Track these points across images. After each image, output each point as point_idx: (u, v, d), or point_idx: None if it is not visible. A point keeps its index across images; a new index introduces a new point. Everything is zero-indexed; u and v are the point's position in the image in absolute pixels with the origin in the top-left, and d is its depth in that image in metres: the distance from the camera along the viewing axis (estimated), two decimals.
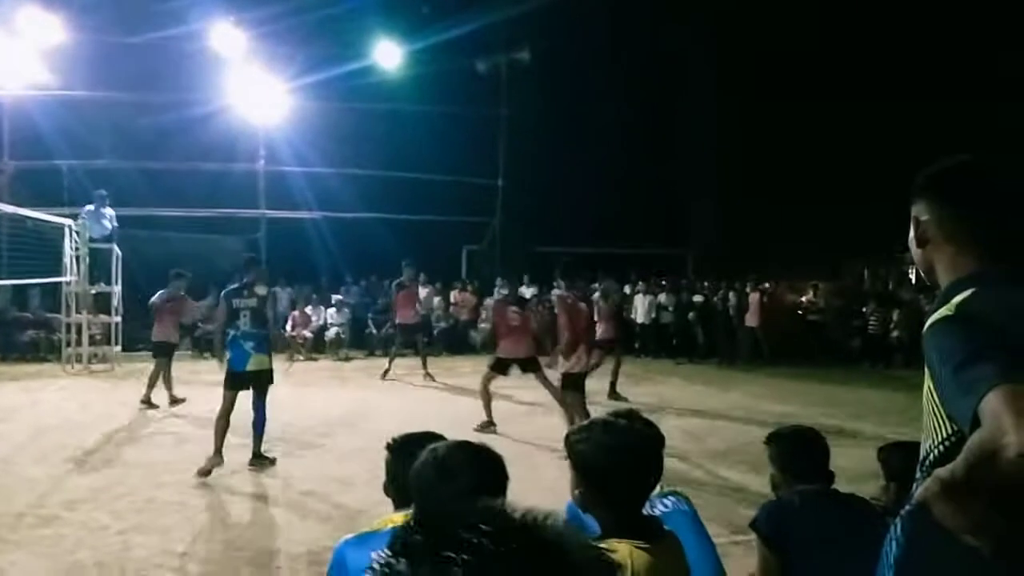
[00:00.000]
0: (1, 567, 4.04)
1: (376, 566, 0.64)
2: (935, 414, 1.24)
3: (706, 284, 15.83)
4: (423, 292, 15.94)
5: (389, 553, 0.64)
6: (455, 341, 15.23)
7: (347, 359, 13.97)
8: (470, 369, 11.30)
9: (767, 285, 14.52)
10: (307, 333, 14.46)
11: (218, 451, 5.94)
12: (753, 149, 16.83)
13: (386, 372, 11.06)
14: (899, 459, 2.54)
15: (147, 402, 8.69)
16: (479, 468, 1.71)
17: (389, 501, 2.11)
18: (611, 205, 16.59)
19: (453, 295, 16.08)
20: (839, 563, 2.28)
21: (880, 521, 2.43)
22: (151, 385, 8.72)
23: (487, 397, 7.70)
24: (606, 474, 1.64)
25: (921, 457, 1.31)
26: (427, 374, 11.09)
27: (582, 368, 6.64)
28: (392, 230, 15.50)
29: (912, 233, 1.44)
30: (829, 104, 16.08)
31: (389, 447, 2.13)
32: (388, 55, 15.95)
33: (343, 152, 15.93)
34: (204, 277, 15.21)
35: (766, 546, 2.45)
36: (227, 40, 14.87)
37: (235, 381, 6.13)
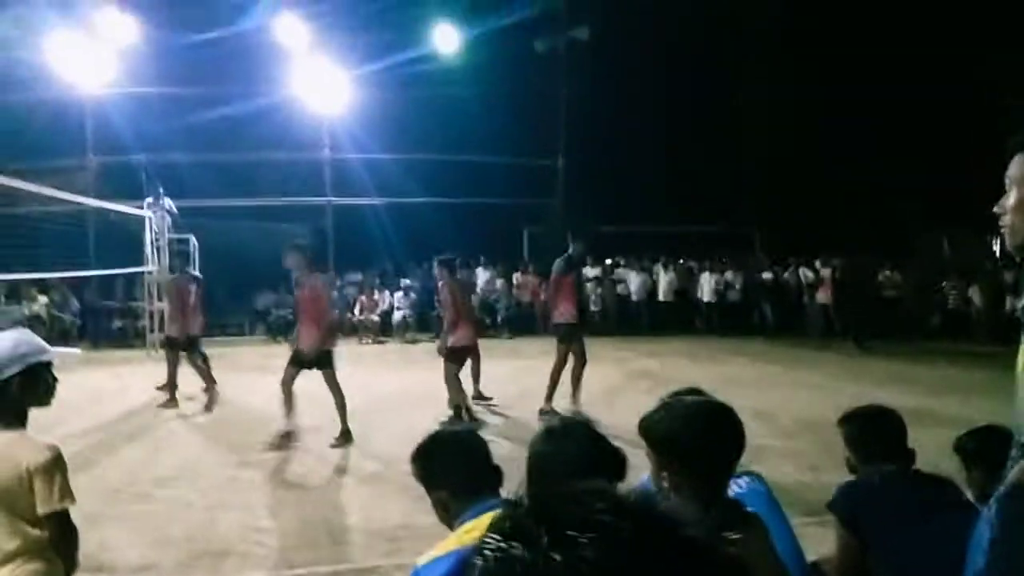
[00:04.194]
0: (101, 539, 4.30)
1: (488, 552, 0.57)
2: None
3: (774, 262, 15.42)
4: (485, 276, 16.10)
5: (499, 537, 0.58)
6: (518, 323, 15.32)
7: (413, 342, 14.25)
8: (536, 350, 11.34)
9: (835, 261, 13.96)
10: (374, 317, 14.80)
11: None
12: (824, 123, 16.22)
13: None
14: (981, 444, 2.45)
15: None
16: (597, 445, 1.68)
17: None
18: (674, 183, 16.28)
19: (516, 277, 16.14)
20: (921, 545, 2.22)
21: (965, 502, 2.35)
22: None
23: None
24: (690, 449, 1.59)
25: (1017, 436, 1.26)
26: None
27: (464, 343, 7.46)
28: (453, 214, 15.65)
29: (1018, 195, 1.35)
30: (899, 76, 15.34)
31: (418, 455, 2.08)
32: (446, 39, 16.01)
33: (404, 138, 16.13)
34: (273, 264, 15.74)
35: (845, 528, 2.41)
36: (291, 32, 15.22)
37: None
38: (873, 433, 2.61)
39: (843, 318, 13.36)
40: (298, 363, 6.55)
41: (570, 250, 7.72)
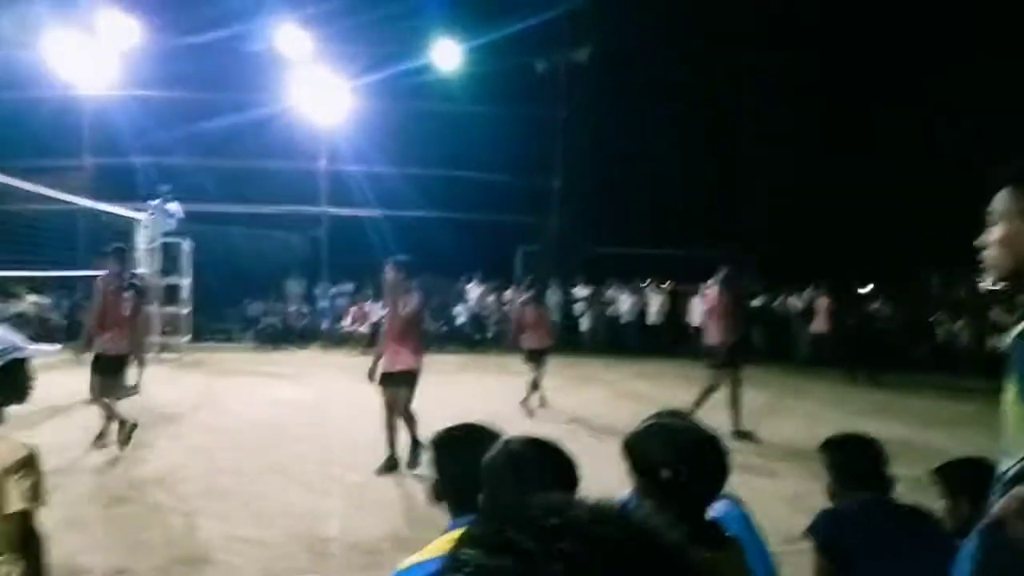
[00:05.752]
0: (76, 542, 4.24)
1: (471, 567, 0.56)
2: (1020, 427, 1.19)
3: (765, 288, 15.48)
4: (477, 291, 16.13)
5: (481, 551, 0.57)
6: (508, 339, 15.30)
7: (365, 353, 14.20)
8: (522, 368, 11.31)
9: (823, 289, 13.92)
10: (363, 329, 14.76)
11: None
12: (821, 150, 16.38)
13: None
14: (964, 476, 2.46)
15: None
16: (553, 465, 1.65)
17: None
18: (669, 206, 16.38)
19: (506, 295, 16.18)
20: (898, 574, 2.22)
21: (944, 533, 2.36)
22: None
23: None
24: (674, 474, 1.58)
25: (1000, 471, 1.26)
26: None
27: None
28: (448, 229, 15.69)
29: (1003, 230, 1.35)
30: (898, 106, 15.54)
31: (435, 444, 1.94)
32: (447, 55, 16.13)
33: (402, 151, 16.20)
34: (266, 271, 15.76)
35: (822, 554, 2.41)
36: (291, 41, 15.31)
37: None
38: (852, 461, 2.62)
39: (844, 350, 13.24)
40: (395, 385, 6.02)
41: (722, 274, 7.79)
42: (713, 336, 7.79)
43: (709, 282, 7.98)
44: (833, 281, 14.03)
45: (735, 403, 7.65)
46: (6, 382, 2.16)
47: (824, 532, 2.43)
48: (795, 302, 14.14)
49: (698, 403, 7.46)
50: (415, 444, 5.95)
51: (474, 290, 16.18)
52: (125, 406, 6.55)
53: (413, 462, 5.98)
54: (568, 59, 17.02)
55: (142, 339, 7.48)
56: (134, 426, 6.39)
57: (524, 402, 8.79)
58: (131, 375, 6.87)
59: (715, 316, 7.82)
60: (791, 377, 12.66)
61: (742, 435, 7.39)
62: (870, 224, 15.75)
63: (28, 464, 2.09)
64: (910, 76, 15.49)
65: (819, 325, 13.37)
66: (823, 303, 13.35)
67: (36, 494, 2.08)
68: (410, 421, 6.04)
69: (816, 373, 12.81)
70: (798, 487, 5.77)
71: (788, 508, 5.26)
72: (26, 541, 2.08)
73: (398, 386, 6.04)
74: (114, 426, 6.43)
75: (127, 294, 6.88)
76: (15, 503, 2.03)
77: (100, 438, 6.42)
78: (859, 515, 2.44)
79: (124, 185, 15.10)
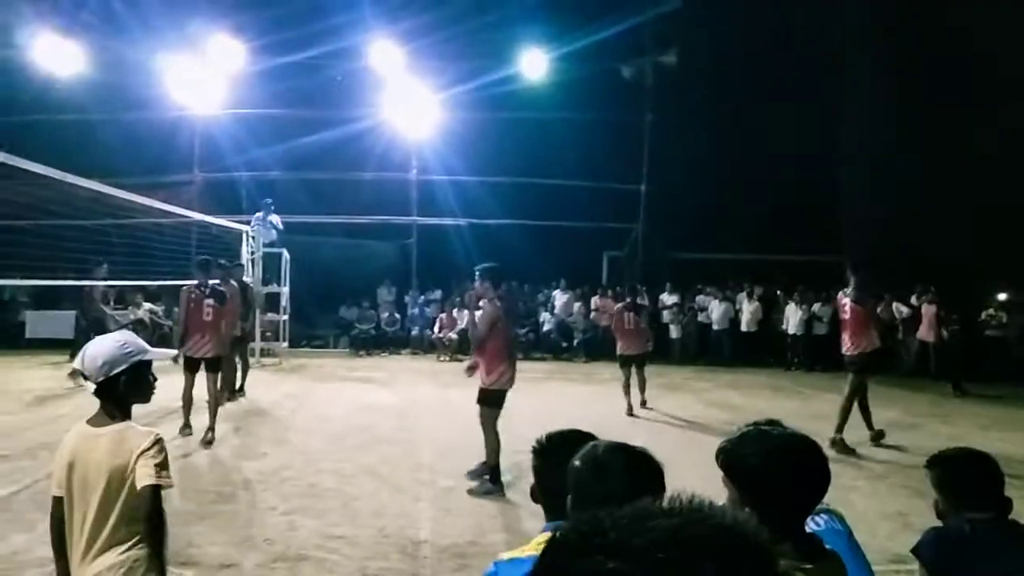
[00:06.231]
0: (189, 535, 4.53)
1: (566, 569, 0.59)
2: None
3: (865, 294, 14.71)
4: (563, 298, 16.13)
5: (575, 552, 0.59)
6: (595, 347, 15.24)
7: (460, 359, 14.37)
8: (609, 376, 11.25)
9: (930, 295, 13.02)
10: (452, 335, 15.03)
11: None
12: (920, 150, 15.47)
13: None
14: None
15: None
16: (639, 471, 1.63)
17: (534, 504, 1.98)
18: (758, 210, 15.87)
19: (594, 301, 16.10)
20: None
21: None
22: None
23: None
24: (768, 481, 1.55)
25: None
26: None
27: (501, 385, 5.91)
28: (534, 236, 15.78)
29: None
30: (999, 98, 14.49)
31: (536, 450, 1.97)
32: (534, 64, 16.26)
33: (489, 160, 16.43)
34: (359, 279, 16.33)
35: (930, 575, 2.30)
36: (383, 55, 15.84)
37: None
38: (965, 478, 2.46)
39: (944, 359, 12.49)
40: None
41: (852, 282, 7.70)
42: (848, 346, 7.60)
43: (845, 291, 7.73)
44: (943, 286, 13.13)
45: (865, 410, 7.65)
46: (134, 383, 2.36)
47: (933, 553, 2.33)
48: (900, 308, 13.36)
49: (846, 413, 7.41)
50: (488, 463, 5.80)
51: (560, 297, 16.18)
52: (231, 408, 6.95)
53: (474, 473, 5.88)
54: (655, 62, 16.82)
55: (226, 343, 7.75)
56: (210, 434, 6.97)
57: (629, 410, 9.13)
58: (229, 380, 7.28)
59: (849, 326, 7.62)
60: (894, 388, 12.01)
61: (841, 444, 7.22)
62: (982, 223, 14.66)
63: (157, 448, 2.31)
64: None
65: (924, 333, 12.61)
66: (929, 310, 12.55)
67: (162, 471, 2.29)
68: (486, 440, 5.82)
69: (921, 384, 12.10)
70: (903, 504, 5.49)
71: (893, 525, 5.03)
72: (151, 516, 2.28)
73: (479, 403, 5.91)
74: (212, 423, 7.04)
75: (208, 301, 7.25)
76: (146, 479, 2.25)
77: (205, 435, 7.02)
78: (971, 537, 2.30)
79: (230, 199, 16.03)
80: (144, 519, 2.27)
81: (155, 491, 2.27)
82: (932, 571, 2.31)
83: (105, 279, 10.68)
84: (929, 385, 12.01)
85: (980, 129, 14.57)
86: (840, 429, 7.32)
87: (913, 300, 13.11)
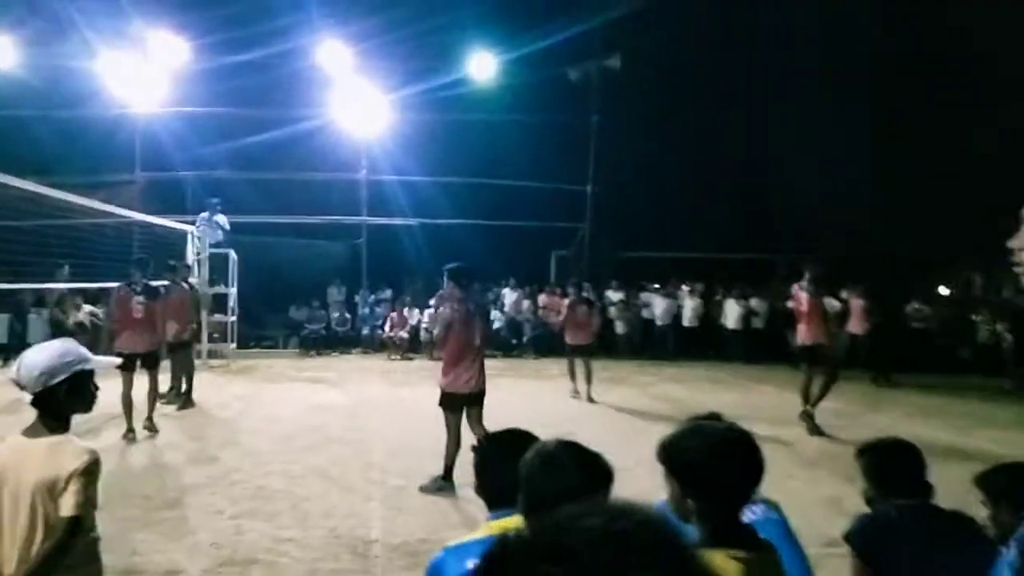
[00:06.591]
0: (133, 543, 4.46)
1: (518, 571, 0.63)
2: None
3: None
4: (512, 296, 16.26)
5: (530, 555, 0.63)
6: (543, 343, 15.39)
7: (440, 359, 14.37)
8: (557, 371, 11.40)
9: (860, 290, 13.58)
10: (403, 334, 14.99)
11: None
12: (854, 150, 16.09)
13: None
14: (1009, 482, 2.40)
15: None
16: (586, 467, 1.70)
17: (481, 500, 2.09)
18: (700, 210, 16.29)
19: (541, 299, 16.26)
20: None
21: (985, 540, 2.33)
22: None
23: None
24: (710, 475, 1.60)
25: None
26: None
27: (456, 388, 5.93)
28: (483, 235, 15.85)
29: None
30: (943, 100, 15.19)
31: (476, 448, 2.12)
32: (483, 66, 16.32)
33: (439, 161, 16.43)
34: (308, 279, 16.12)
35: (860, 560, 2.41)
36: (332, 56, 15.67)
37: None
38: (891, 466, 2.59)
39: (871, 350, 13.07)
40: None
41: (807, 276, 8.13)
42: (804, 336, 8.11)
43: (801, 285, 8.15)
44: (865, 282, 13.74)
45: (822, 393, 8.08)
46: (74, 393, 2.31)
47: (862, 537, 2.43)
48: (832, 303, 13.86)
49: (807, 399, 7.97)
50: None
51: (509, 295, 16.30)
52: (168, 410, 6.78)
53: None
54: (600, 66, 17.05)
55: (161, 340, 7.87)
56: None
57: (575, 393, 9.92)
58: (165, 380, 7.29)
59: (805, 317, 8.09)
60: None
61: (809, 417, 7.90)
62: (909, 223, 15.36)
63: (91, 471, 2.25)
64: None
65: (854, 326, 13.20)
66: (857, 304, 13.13)
67: (87, 502, 2.23)
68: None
69: (852, 376, 12.60)
70: (836, 490, 5.75)
71: (826, 511, 5.25)
72: (65, 542, 2.21)
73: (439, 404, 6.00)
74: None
75: (138, 299, 7.37)
76: (68, 508, 2.20)
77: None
78: (898, 521, 2.41)
79: (174, 199, 15.62)
80: (54, 540, 2.18)
81: (73, 523, 2.19)
82: (862, 555, 2.40)
83: (68, 282, 10.30)
84: (859, 376, 12.52)
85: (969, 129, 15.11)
86: (806, 400, 7.90)
87: (844, 295, 13.64)
